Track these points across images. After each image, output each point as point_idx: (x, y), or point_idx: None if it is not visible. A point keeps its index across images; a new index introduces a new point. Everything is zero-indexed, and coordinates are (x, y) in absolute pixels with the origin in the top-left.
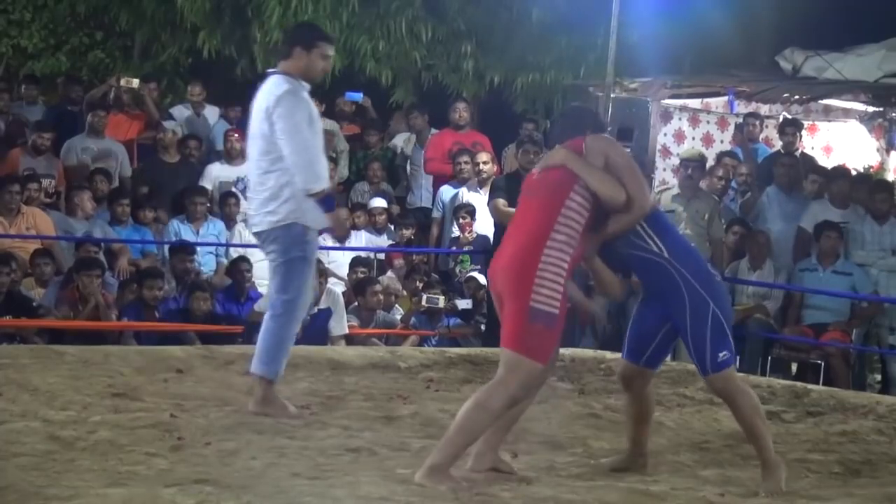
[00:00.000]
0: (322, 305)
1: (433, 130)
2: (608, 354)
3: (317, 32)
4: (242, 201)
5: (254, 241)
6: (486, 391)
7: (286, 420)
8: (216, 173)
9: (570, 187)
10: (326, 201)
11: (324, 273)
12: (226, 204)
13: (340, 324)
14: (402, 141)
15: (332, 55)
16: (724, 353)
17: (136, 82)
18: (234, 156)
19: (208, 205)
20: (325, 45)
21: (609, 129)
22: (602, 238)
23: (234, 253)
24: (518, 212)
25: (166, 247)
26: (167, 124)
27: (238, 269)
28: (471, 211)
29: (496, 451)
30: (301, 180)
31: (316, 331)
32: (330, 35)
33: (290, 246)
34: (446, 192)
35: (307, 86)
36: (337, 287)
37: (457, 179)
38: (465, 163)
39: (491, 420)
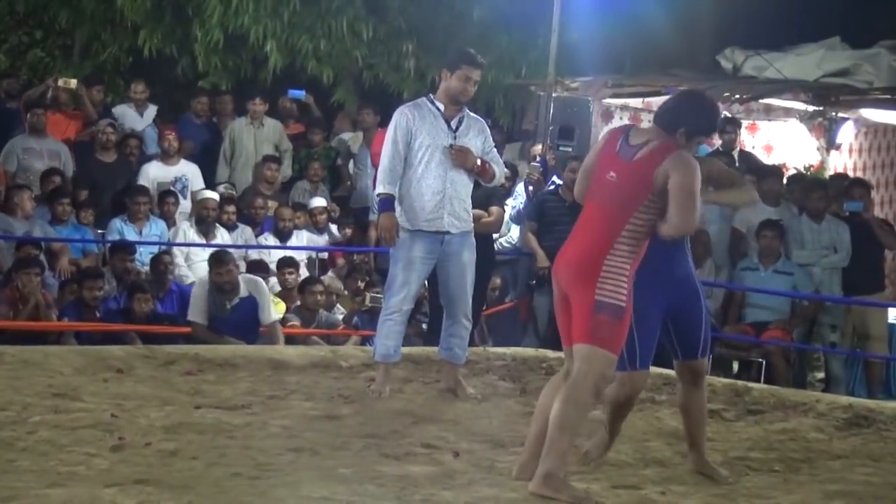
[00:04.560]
0: (243, 294)
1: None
2: (550, 353)
3: (459, 56)
4: (183, 201)
5: (199, 240)
6: (571, 387)
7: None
8: (154, 173)
9: (641, 203)
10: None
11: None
12: (164, 203)
13: (268, 311)
14: (349, 139)
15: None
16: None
17: (73, 83)
18: (171, 154)
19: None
20: (467, 68)
21: (550, 128)
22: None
23: (180, 253)
24: (585, 213)
25: (108, 246)
26: (103, 122)
27: (160, 262)
28: None
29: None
30: None
31: (240, 320)
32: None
33: None
34: None
35: (435, 104)
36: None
37: None
38: None
39: (584, 413)
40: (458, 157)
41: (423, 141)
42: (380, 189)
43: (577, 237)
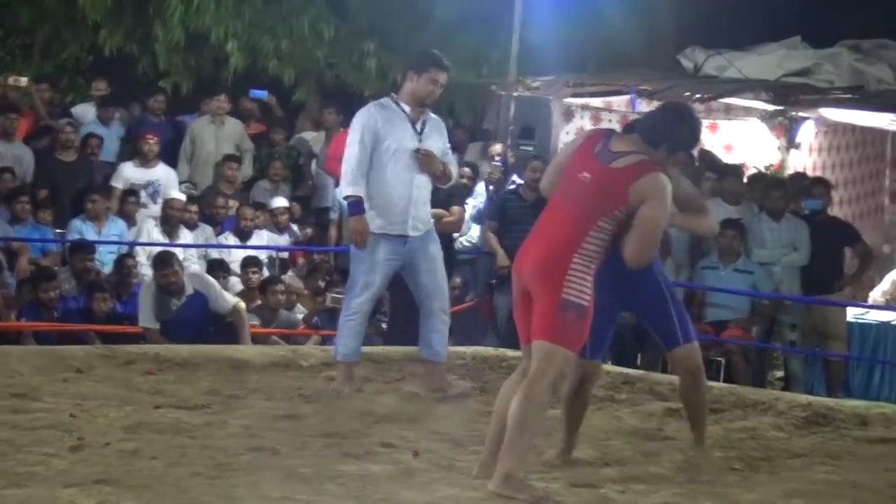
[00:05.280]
0: (189, 292)
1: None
2: (510, 352)
3: (426, 58)
4: (151, 204)
5: (163, 240)
6: (529, 386)
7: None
8: (128, 174)
9: (609, 210)
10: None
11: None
12: (125, 202)
13: (222, 300)
14: (311, 138)
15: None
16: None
17: (24, 81)
18: (150, 158)
19: (108, 205)
20: (435, 71)
21: (511, 128)
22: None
23: (143, 252)
24: (552, 209)
25: (67, 246)
26: (63, 121)
27: (124, 264)
28: None
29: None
30: None
31: (190, 318)
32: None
33: None
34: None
35: (400, 105)
36: (194, 266)
37: None
38: None
39: (542, 411)
40: (425, 161)
41: (390, 144)
42: (348, 191)
43: (543, 234)
